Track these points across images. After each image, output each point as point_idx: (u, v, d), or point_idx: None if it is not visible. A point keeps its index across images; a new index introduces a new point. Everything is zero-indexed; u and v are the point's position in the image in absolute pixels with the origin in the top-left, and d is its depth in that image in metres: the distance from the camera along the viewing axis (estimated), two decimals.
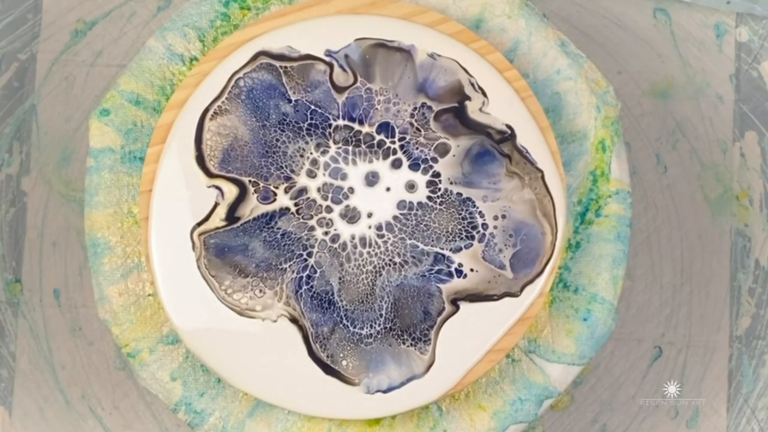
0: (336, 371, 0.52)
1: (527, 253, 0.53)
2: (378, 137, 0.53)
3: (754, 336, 0.62)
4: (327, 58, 0.53)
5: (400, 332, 0.52)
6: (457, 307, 0.52)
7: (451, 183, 0.53)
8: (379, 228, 0.53)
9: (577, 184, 0.54)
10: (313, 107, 0.53)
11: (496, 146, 0.53)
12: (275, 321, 0.52)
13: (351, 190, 0.53)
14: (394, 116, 0.53)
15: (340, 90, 0.53)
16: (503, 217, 0.53)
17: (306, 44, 0.53)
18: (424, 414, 0.54)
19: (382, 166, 0.53)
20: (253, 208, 0.53)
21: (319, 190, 0.53)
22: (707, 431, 0.62)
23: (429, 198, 0.53)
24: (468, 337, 0.52)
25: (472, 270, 0.53)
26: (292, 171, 0.53)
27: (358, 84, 0.53)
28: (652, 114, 0.63)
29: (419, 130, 0.53)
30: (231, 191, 0.53)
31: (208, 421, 0.53)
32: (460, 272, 0.53)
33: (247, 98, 0.53)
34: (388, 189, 0.53)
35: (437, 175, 0.53)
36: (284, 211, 0.53)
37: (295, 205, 0.53)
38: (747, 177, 0.63)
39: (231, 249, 0.53)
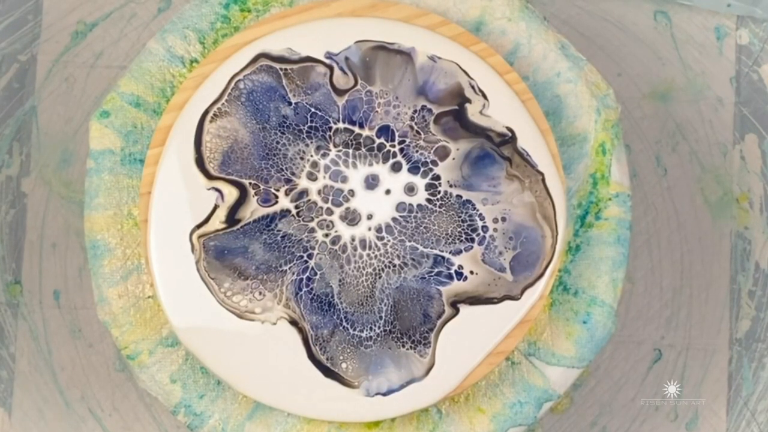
0: (336, 374, 0.52)
1: (527, 255, 0.53)
2: (378, 140, 0.53)
3: (754, 339, 0.62)
4: (327, 61, 0.53)
5: (399, 335, 0.52)
6: (457, 310, 0.52)
7: (450, 186, 0.53)
8: (378, 230, 0.53)
9: (577, 187, 0.54)
10: (313, 110, 0.53)
11: (497, 149, 0.53)
12: (275, 323, 0.52)
13: (351, 192, 0.53)
14: (394, 119, 0.53)
15: (340, 93, 0.53)
16: (503, 219, 0.53)
17: (306, 46, 0.53)
18: (424, 417, 0.54)
19: (382, 169, 0.53)
20: (253, 210, 0.53)
21: (319, 192, 0.53)
22: None
23: (428, 200, 0.53)
24: (468, 340, 0.52)
25: (471, 272, 0.53)
26: (293, 173, 0.53)
27: (358, 86, 0.53)
28: (652, 116, 0.63)
29: (419, 133, 0.53)
30: (231, 193, 0.53)
31: (207, 423, 0.53)
32: (459, 275, 0.53)
33: (247, 100, 0.53)
34: (387, 192, 0.53)
35: (437, 178, 0.53)
36: (285, 213, 0.53)
37: (296, 207, 0.53)
38: (747, 180, 0.63)
39: (231, 251, 0.53)
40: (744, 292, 0.62)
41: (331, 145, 0.53)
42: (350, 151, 0.53)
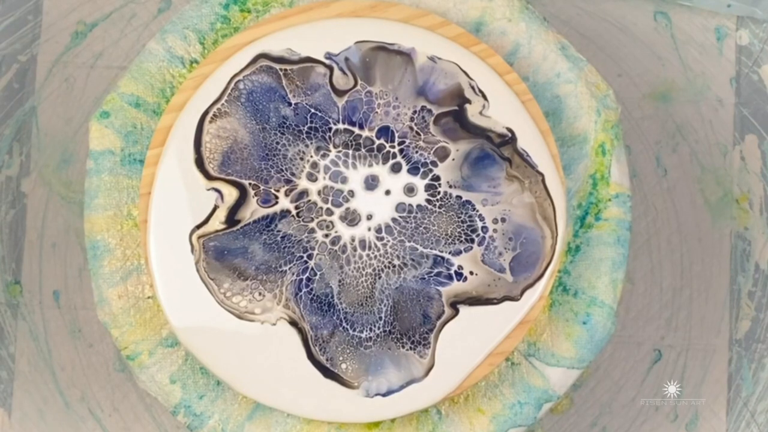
0: (335, 374, 0.52)
1: (527, 256, 0.53)
2: (378, 141, 0.53)
3: (754, 339, 0.62)
4: (327, 61, 0.53)
5: (399, 335, 0.52)
6: (457, 311, 0.52)
7: (450, 186, 0.53)
8: (378, 230, 0.53)
9: (577, 188, 0.54)
10: (312, 110, 0.53)
11: (497, 149, 0.53)
12: (275, 324, 0.52)
13: (351, 193, 0.53)
14: (394, 120, 0.53)
15: (340, 93, 0.53)
16: (503, 220, 0.53)
17: (306, 47, 0.53)
18: (424, 417, 0.54)
19: (381, 170, 0.53)
20: (253, 210, 0.53)
21: (319, 192, 0.53)
22: None
23: (428, 201, 0.53)
24: (468, 340, 0.52)
25: (471, 273, 0.53)
26: (293, 174, 0.53)
27: (358, 87, 0.53)
28: (652, 117, 0.63)
29: (419, 134, 0.53)
30: (231, 194, 0.53)
31: (207, 423, 0.53)
32: (459, 275, 0.53)
33: (246, 101, 0.53)
34: (387, 192, 0.53)
35: (437, 178, 0.53)
36: (285, 213, 0.53)
37: (296, 207, 0.53)
38: (747, 180, 0.63)
39: (230, 252, 0.53)
40: (744, 293, 0.62)
41: (330, 146, 0.53)
42: (350, 151, 0.53)
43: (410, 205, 0.53)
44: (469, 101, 0.53)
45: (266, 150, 0.53)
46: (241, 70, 0.53)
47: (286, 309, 0.52)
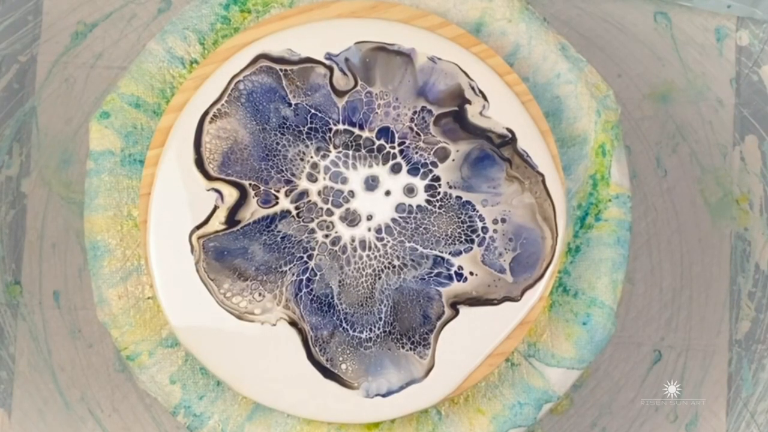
0: (335, 375, 0.52)
1: (527, 257, 0.53)
2: (378, 142, 0.53)
3: (754, 340, 0.62)
4: (327, 62, 0.53)
5: (399, 336, 0.52)
6: (457, 311, 0.52)
7: (450, 187, 0.53)
8: (378, 231, 0.53)
9: (577, 188, 0.54)
10: (313, 111, 0.53)
11: (497, 150, 0.53)
12: (274, 324, 0.52)
13: (351, 193, 0.53)
14: (394, 120, 0.53)
15: (340, 94, 0.53)
16: (503, 221, 0.53)
17: (306, 47, 0.53)
18: (423, 418, 0.54)
19: (381, 170, 0.53)
20: (253, 211, 0.53)
21: (319, 193, 0.53)
22: None
23: (428, 202, 0.53)
24: (468, 341, 0.52)
25: (471, 273, 0.53)
26: (293, 174, 0.53)
27: (358, 87, 0.53)
28: (652, 117, 0.63)
29: (419, 135, 0.53)
30: (231, 194, 0.53)
31: (207, 424, 0.53)
32: (459, 275, 0.53)
33: (246, 101, 0.53)
34: (387, 193, 0.53)
35: (437, 179, 0.53)
36: (285, 213, 0.53)
37: (296, 208, 0.53)
38: (747, 181, 0.63)
39: (230, 252, 0.53)
40: (744, 294, 0.62)
41: (331, 147, 0.53)
42: (350, 152, 0.53)
43: (410, 205, 0.53)
44: (469, 102, 0.53)
45: (266, 150, 0.53)
46: (241, 71, 0.53)
47: (286, 309, 0.52)
